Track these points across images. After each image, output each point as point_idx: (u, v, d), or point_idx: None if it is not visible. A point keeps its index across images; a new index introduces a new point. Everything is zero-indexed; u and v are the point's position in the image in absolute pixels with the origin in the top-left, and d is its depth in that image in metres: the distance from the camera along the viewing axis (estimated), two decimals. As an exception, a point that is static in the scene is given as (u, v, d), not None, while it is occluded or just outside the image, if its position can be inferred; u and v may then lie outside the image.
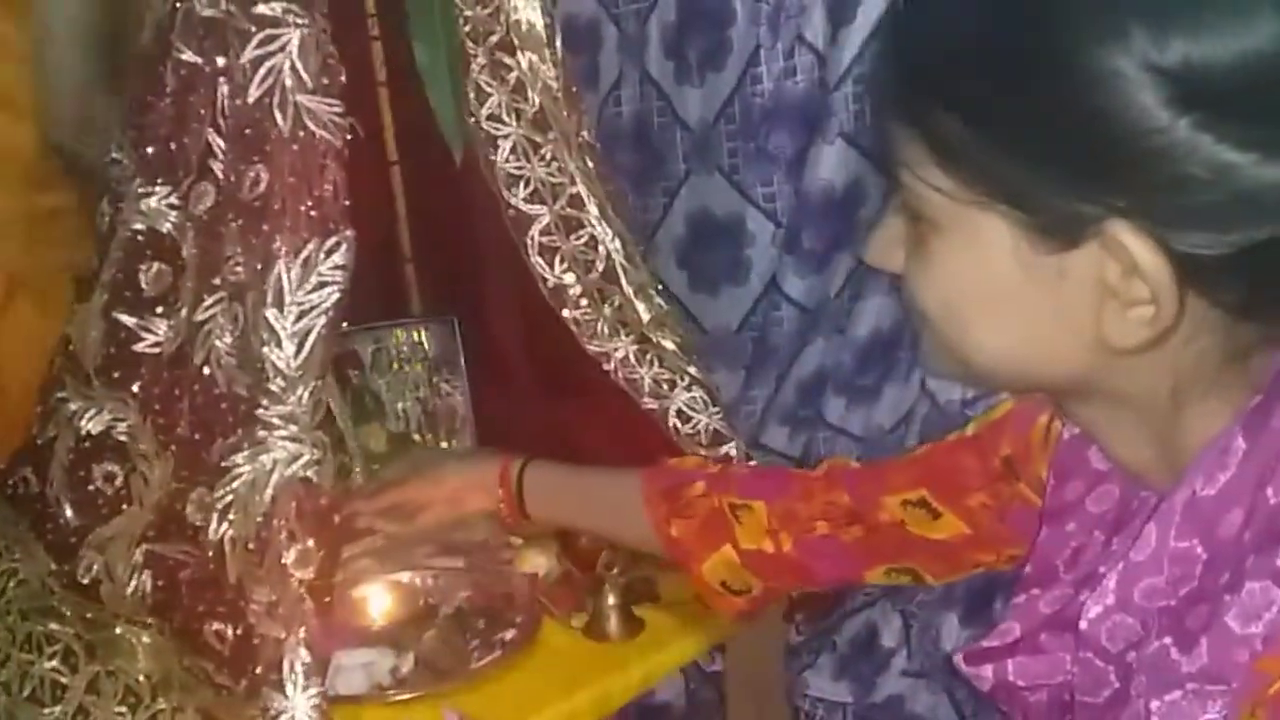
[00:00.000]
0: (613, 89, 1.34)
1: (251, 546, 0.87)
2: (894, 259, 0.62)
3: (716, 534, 1.04)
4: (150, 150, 1.01)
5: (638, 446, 1.25)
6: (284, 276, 0.91)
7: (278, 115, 0.93)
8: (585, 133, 1.22)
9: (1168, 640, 0.57)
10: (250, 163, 0.94)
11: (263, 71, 0.94)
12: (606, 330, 1.25)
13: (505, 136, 1.21)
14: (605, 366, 1.26)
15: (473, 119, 1.20)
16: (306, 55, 0.95)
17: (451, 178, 1.24)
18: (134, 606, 0.97)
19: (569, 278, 1.24)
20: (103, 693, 0.98)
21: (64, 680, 0.99)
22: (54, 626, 1.01)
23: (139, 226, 1.01)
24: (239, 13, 0.94)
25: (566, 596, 1.15)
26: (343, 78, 0.97)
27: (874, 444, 1.06)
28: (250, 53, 0.94)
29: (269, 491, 0.87)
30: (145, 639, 0.98)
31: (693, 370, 1.26)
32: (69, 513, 1.05)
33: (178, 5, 0.98)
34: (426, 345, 1.54)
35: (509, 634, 1.10)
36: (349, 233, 0.94)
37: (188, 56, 0.98)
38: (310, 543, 0.87)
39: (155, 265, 1.02)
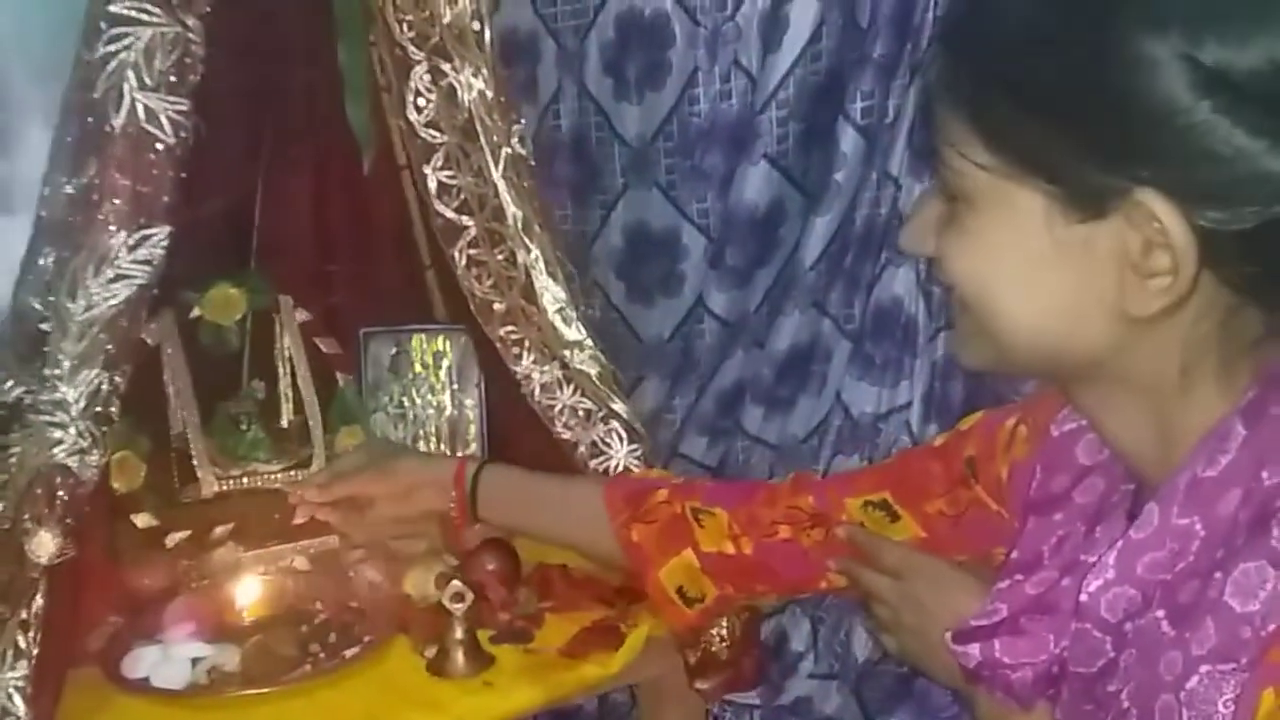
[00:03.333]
0: (551, 102, 1.35)
1: (7, 526, 0.90)
2: (927, 243, 0.66)
3: (677, 538, 1.06)
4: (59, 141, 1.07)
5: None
6: (84, 267, 0.93)
7: (112, 110, 0.96)
8: (517, 143, 1.16)
9: (1160, 613, 0.62)
10: (87, 154, 0.97)
11: (110, 67, 0.96)
12: (531, 354, 1.20)
13: (440, 145, 1.19)
14: (523, 390, 1.20)
15: (407, 125, 1.19)
16: (154, 54, 0.97)
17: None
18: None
19: (494, 294, 1.20)
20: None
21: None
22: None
23: (42, 213, 1.07)
24: (97, 10, 0.97)
25: (430, 625, 1.10)
26: (195, 76, 0.99)
27: (787, 453, 1.09)
28: (100, 49, 0.97)
29: (25, 475, 0.89)
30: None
31: (616, 404, 1.18)
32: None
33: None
34: (448, 353, 1.54)
35: (351, 651, 1.07)
36: (161, 230, 0.95)
37: (84, 55, 1.03)
38: (55, 529, 0.88)
39: (53, 251, 1.07)
